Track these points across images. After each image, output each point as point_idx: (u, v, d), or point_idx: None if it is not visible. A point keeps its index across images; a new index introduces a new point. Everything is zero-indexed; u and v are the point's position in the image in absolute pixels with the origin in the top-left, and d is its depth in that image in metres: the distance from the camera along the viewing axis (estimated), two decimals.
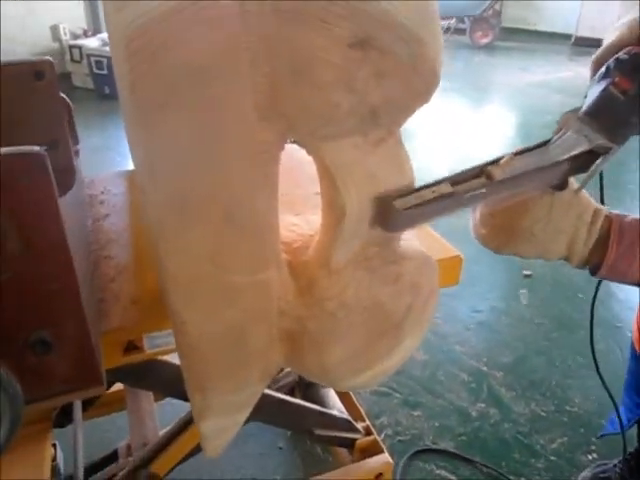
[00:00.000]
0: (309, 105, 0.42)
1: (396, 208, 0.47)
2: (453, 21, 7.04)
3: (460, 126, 4.12)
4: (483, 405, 1.64)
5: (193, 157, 0.40)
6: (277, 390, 1.18)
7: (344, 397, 1.35)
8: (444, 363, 1.80)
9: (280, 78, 0.40)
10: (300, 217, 0.60)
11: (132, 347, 0.72)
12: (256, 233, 0.45)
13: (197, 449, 0.99)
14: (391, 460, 1.19)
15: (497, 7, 7.34)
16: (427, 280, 0.54)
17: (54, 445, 1.39)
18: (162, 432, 1.02)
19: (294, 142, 0.48)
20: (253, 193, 0.44)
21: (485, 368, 1.78)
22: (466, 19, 6.93)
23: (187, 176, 0.40)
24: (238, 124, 0.40)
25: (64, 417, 1.27)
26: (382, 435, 1.53)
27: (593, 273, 0.73)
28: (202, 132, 0.39)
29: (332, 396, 1.28)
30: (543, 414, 1.61)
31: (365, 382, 0.54)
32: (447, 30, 7.10)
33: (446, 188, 0.51)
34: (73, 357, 0.56)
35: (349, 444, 1.22)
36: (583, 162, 0.61)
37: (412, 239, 0.54)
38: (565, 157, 0.59)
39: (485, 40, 6.85)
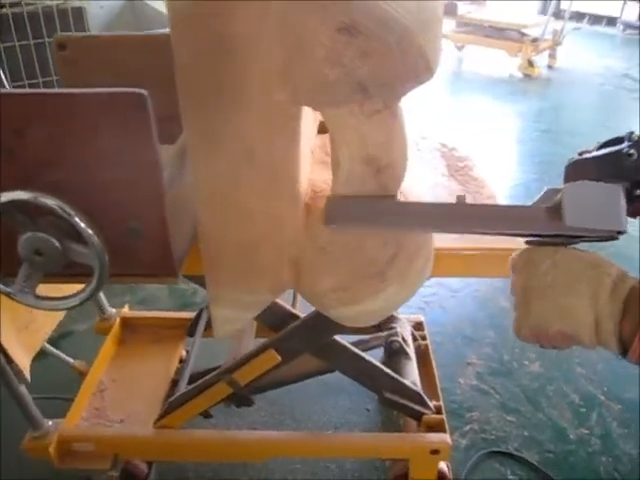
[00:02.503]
0: (306, 74, 0.53)
1: (329, 198, 0.56)
2: None
3: None
4: (586, 432, 1.55)
5: (224, 102, 0.54)
6: (362, 351, 1.29)
7: (427, 376, 1.42)
8: (558, 380, 1.73)
9: (288, 49, 0.52)
10: None
11: None
12: (272, 171, 0.58)
13: (273, 371, 1.16)
14: (450, 441, 1.23)
15: None
16: (413, 237, 0.61)
17: (187, 351, 1.69)
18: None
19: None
20: (271, 139, 0.57)
21: (602, 397, 1.67)
22: None
23: (211, 109, 0.54)
24: (259, 81, 0.53)
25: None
26: (467, 427, 1.56)
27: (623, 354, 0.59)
28: (231, 83, 0.53)
29: (411, 369, 1.36)
30: None
31: (352, 316, 0.64)
32: None
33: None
34: (155, 247, 0.76)
35: (417, 417, 1.29)
36: None
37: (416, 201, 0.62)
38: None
39: None
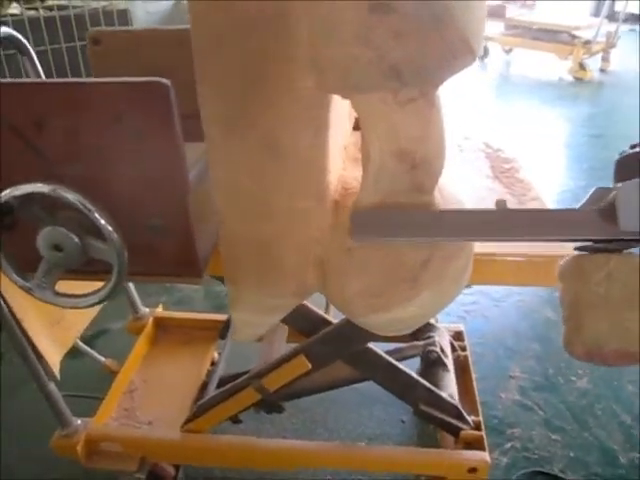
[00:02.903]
0: (334, 57, 0.48)
1: (357, 208, 0.51)
2: None
3: None
4: (638, 456, 1.44)
5: (245, 88, 0.50)
6: (397, 360, 1.24)
7: (467, 389, 1.35)
8: (607, 398, 1.62)
9: (315, 29, 0.48)
10: None
11: None
12: (297, 165, 0.54)
13: (303, 378, 1.11)
14: (489, 460, 1.16)
15: None
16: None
17: (220, 353, 1.67)
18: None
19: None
20: (296, 130, 0.53)
21: None
22: None
23: (231, 96, 0.50)
24: (283, 66, 0.49)
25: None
26: (508, 445, 1.47)
27: None
28: (253, 68, 0.49)
29: (449, 381, 1.29)
30: None
31: (383, 323, 0.59)
32: None
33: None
34: (178, 246, 0.73)
35: (454, 432, 1.23)
36: None
37: (454, 202, 0.56)
38: None
39: None
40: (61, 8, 2.37)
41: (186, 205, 0.69)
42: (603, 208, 0.54)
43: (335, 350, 1.09)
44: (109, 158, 0.66)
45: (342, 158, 0.74)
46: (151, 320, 1.58)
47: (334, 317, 1.11)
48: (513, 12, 5.21)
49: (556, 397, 1.63)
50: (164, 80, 0.63)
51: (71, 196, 0.66)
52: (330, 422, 1.56)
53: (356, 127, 0.95)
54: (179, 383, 1.43)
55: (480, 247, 0.72)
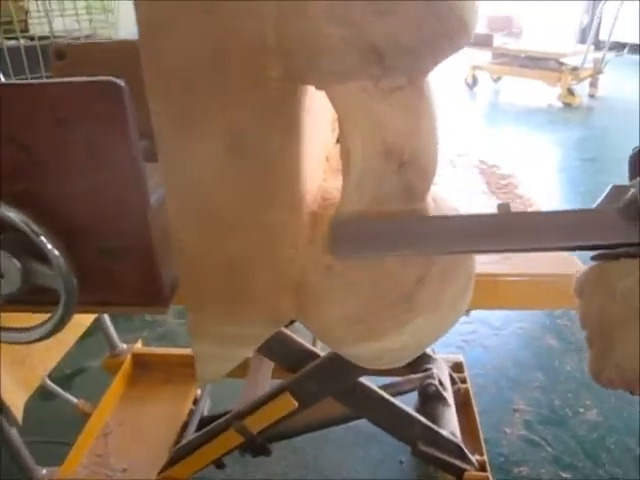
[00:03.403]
0: (305, 37, 0.41)
1: (337, 218, 0.43)
2: None
3: None
4: None
5: (202, 78, 0.42)
6: (392, 395, 1.14)
7: (469, 425, 1.25)
8: (620, 430, 1.51)
9: (282, 11, 0.40)
10: None
11: None
12: (267, 171, 0.46)
13: (290, 415, 1.01)
14: None
15: None
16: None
17: (201, 392, 1.57)
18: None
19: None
20: (265, 129, 0.45)
21: None
22: None
23: (192, 94, 0.43)
24: (247, 51, 0.42)
25: None
26: None
27: None
28: (211, 53, 0.42)
29: (450, 416, 1.19)
30: None
31: (370, 355, 0.50)
32: None
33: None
34: (139, 271, 0.64)
35: (457, 473, 1.12)
36: None
37: (445, 209, 0.48)
38: None
39: None
40: (42, 38, 2.32)
41: (146, 222, 0.61)
42: (624, 207, 0.46)
43: (323, 386, 0.99)
44: (55, 171, 0.58)
45: (323, 169, 0.66)
46: (129, 357, 1.48)
47: (322, 350, 1.02)
48: (500, 41, 5.26)
49: (565, 431, 1.52)
50: (117, 80, 0.56)
51: (12, 214, 0.58)
52: (322, 465, 1.44)
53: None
54: (158, 425, 1.33)
55: (480, 267, 0.64)
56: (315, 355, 1.00)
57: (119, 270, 0.64)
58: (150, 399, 1.40)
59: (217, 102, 0.44)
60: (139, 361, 1.49)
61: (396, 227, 0.47)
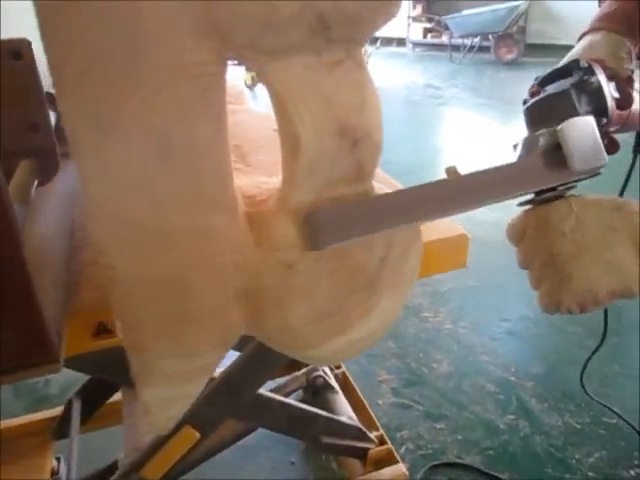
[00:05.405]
0: (243, 9, 0.37)
1: (311, 212, 0.42)
2: (478, 39, 7.02)
3: (491, 135, 4.05)
4: (512, 417, 1.53)
5: (117, 66, 0.35)
6: (285, 397, 1.10)
7: (357, 405, 1.27)
8: (469, 374, 1.70)
9: None
10: (273, 178, 0.54)
11: (103, 330, 0.67)
12: (196, 169, 0.40)
13: (190, 452, 0.92)
14: (406, 472, 1.10)
15: (521, 23, 7.29)
16: (399, 232, 0.47)
17: (58, 459, 1.35)
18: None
19: (238, 63, 0.43)
20: (192, 121, 0.39)
21: (514, 379, 1.67)
22: (491, 36, 6.89)
23: (108, 88, 0.35)
24: (165, 30, 0.35)
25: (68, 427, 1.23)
26: (402, 449, 1.44)
27: None
28: (126, 37, 0.34)
29: (342, 402, 1.21)
30: (578, 426, 1.49)
31: (339, 351, 0.47)
32: (472, 48, 7.08)
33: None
34: (15, 322, 0.51)
35: (361, 454, 1.14)
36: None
37: (384, 188, 0.48)
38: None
39: (510, 56, 6.79)
40: None
41: (21, 260, 0.49)
42: (542, 156, 0.51)
43: (225, 407, 0.92)
44: None
45: None
46: None
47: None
48: None
49: (427, 388, 1.65)
50: None
51: None
52: None
53: None
54: None
55: None
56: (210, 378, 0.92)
57: None
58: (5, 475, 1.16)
59: (137, 97, 0.36)
60: None
61: (370, 206, 0.45)
